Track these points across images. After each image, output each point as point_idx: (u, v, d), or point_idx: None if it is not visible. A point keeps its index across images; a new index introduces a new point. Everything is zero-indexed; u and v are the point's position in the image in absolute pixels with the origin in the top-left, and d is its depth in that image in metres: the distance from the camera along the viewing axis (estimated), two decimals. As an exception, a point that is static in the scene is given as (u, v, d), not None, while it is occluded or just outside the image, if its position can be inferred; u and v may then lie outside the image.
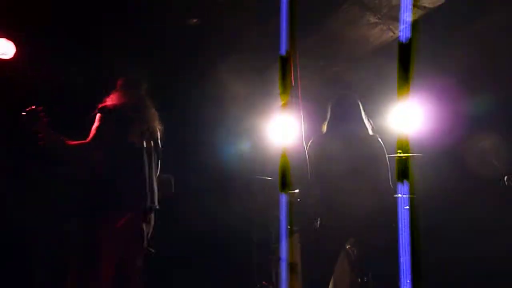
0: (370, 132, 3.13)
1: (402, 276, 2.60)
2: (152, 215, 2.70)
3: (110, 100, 2.58)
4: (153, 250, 3.22)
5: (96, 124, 2.52)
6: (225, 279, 4.02)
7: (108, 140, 2.49)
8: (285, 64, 2.70)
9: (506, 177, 3.41)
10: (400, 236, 2.73)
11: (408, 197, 2.92)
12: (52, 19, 3.21)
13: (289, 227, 3.08)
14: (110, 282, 2.46)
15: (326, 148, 3.09)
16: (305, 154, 3.07)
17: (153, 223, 2.71)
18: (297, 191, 3.15)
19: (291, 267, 3.03)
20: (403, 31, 2.64)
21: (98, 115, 2.53)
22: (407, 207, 2.87)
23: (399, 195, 3.04)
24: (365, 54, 4.15)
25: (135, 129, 2.59)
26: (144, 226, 2.60)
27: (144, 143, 2.64)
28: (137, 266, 2.63)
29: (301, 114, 2.91)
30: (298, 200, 3.14)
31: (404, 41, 2.61)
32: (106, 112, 2.53)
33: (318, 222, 3.10)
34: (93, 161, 2.49)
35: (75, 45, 3.29)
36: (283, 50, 2.70)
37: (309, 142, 3.19)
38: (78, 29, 3.33)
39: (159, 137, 2.76)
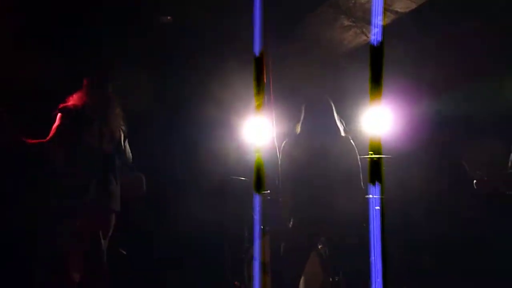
0: (342, 133, 3.18)
1: (373, 275, 2.65)
2: (111, 217, 2.68)
3: (72, 100, 2.58)
4: (124, 252, 3.18)
5: (56, 123, 2.56)
6: (197, 279, 4.00)
7: (67, 140, 2.48)
8: (259, 65, 2.71)
9: (475, 181, 3.51)
10: (371, 235, 2.78)
11: (379, 198, 2.97)
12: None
13: (262, 227, 3.09)
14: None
15: (299, 149, 3.12)
16: (277, 155, 3.09)
17: (112, 225, 2.70)
18: (268, 191, 3.17)
19: (264, 267, 3.04)
20: (374, 34, 2.68)
21: (58, 114, 2.54)
22: (378, 207, 2.93)
23: (370, 196, 3.09)
24: (339, 57, 4.20)
25: (93, 130, 2.59)
26: (101, 227, 2.59)
27: (104, 144, 2.61)
28: (100, 269, 2.62)
29: (273, 115, 2.94)
30: (269, 198, 3.16)
31: (375, 44, 2.65)
32: (66, 112, 2.55)
33: (291, 222, 3.12)
34: (53, 160, 2.49)
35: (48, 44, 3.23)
36: (257, 51, 2.71)
37: (283, 143, 3.21)
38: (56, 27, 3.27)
39: (122, 138, 2.75)
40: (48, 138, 2.53)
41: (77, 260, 2.49)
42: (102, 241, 2.63)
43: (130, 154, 2.82)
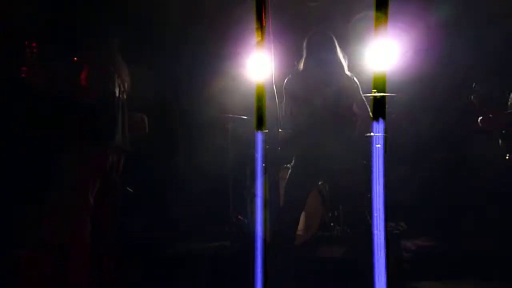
0: (346, 71, 3.10)
1: (374, 211, 2.69)
2: (122, 155, 2.74)
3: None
4: (131, 190, 3.25)
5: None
6: (200, 212, 4.12)
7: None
8: (259, -1, 2.57)
9: (480, 119, 3.48)
10: (374, 172, 2.79)
11: (382, 135, 2.96)
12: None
13: (263, 165, 3.12)
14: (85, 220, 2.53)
15: (302, 86, 3.07)
16: (279, 91, 3.04)
17: (122, 163, 2.75)
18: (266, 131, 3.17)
19: (265, 203, 3.10)
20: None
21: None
22: (379, 145, 2.93)
23: (372, 134, 3.08)
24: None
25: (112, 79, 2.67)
26: (111, 161, 2.65)
27: (119, 90, 2.72)
28: (110, 203, 2.70)
29: (272, 51, 2.85)
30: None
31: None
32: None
33: (292, 161, 3.14)
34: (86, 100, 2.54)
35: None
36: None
37: (286, 79, 3.15)
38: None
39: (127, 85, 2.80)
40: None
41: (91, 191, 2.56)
42: (116, 177, 2.74)
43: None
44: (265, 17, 2.61)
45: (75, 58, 2.58)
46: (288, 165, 3.24)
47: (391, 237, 2.58)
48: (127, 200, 3.09)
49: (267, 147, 2.93)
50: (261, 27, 2.69)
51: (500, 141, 3.58)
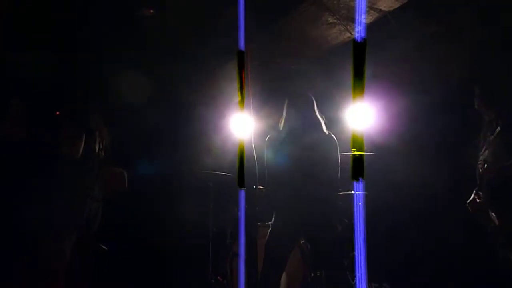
0: (324, 129, 3.19)
1: (357, 270, 2.66)
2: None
3: None
4: (105, 247, 3.16)
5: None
6: (180, 274, 3.99)
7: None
8: (242, 59, 2.70)
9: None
10: (356, 231, 2.80)
11: (362, 194, 3.00)
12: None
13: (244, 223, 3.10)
14: None
15: (282, 146, 3.13)
16: (259, 149, 3.10)
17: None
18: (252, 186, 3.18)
19: (246, 263, 3.05)
20: (358, 32, 2.69)
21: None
22: (360, 203, 2.95)
23: (353, 192, 3.12)
24: (322, 54, 4.21)
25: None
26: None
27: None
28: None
29: (251, 111, 2.95)
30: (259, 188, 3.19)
31: (359, 41, 2.66)
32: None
33: (273, 219, 3.13)
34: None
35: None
36: (241, 45, 2.69)
37: (266, 138, 3.22)
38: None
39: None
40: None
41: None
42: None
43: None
44: (245, 78, 2.72)
45: (57, 112, 2.64)
46: (269, 223, 3.22)
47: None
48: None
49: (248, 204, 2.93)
50: (241, 87, 2.79)
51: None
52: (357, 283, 2.72)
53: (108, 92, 3.23)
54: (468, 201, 2.79)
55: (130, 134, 3.39)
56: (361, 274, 2.57)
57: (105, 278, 3.00)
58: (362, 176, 2.83)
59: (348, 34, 3.91)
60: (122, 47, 3.62)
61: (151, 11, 3.24)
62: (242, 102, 2.98)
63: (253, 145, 3.06)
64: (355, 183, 3.05)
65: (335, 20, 3.73)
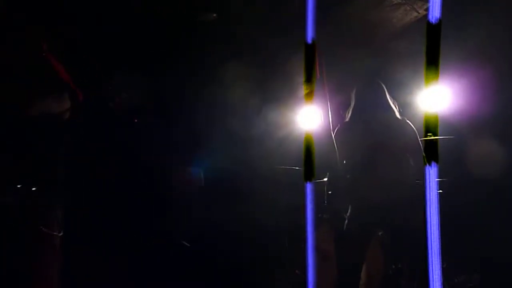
0: (398, 116, 3.08)
1: (431, 262, 2.55)
2: None
3: None
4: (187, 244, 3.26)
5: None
6: (255, 270, 4.04)
7: None
8: (310, 51, 2.65)
9: None
10: (428, 221, 2.68)
11: (439, 180, 2.86)
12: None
13: (319, 215, 3.07)
14: None
15: (350, 136, 3.07)
16: (333, 142, 3.04)
17: None
18: (325, 179, 3.14)
19: (324, 256, 3.02)
20: (430, 10, 2.53)
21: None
22: (440, 191, 2.82)
23: (429, 180, 2.98)
24: (388, 37, 4.06)
25: None
26: None
27: None
28: None
29: (328, 102, 2.89)
30: (329, 192, 3.14)
31: (432, 21, 2.50)
32: None
33: (348, 211, 3.07)
34: None
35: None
36: (309, 37, 2.64)
37: (335, 130, 3.16)
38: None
39: None
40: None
41: None
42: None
43: None
44: (315, 69, 2.66)
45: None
46: (344, 215, 3.17)
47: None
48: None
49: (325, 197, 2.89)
50: (310, 78, 2.74)
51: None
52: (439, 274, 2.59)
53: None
54: None
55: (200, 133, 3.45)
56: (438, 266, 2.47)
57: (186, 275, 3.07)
58: (436, 161, 2.70)
59: (415, 14, 3.73)
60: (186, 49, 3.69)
61: (214, 15, 3.27)
62: (309, 93, 2.93)
63: (333, 135, 2.99)
64: (427, 168, 2.92)
65: (400, 0, 3.58)
